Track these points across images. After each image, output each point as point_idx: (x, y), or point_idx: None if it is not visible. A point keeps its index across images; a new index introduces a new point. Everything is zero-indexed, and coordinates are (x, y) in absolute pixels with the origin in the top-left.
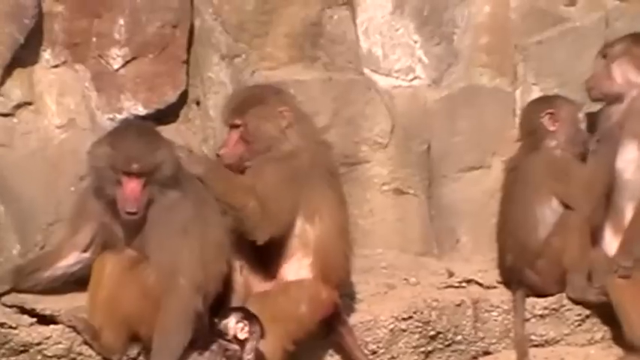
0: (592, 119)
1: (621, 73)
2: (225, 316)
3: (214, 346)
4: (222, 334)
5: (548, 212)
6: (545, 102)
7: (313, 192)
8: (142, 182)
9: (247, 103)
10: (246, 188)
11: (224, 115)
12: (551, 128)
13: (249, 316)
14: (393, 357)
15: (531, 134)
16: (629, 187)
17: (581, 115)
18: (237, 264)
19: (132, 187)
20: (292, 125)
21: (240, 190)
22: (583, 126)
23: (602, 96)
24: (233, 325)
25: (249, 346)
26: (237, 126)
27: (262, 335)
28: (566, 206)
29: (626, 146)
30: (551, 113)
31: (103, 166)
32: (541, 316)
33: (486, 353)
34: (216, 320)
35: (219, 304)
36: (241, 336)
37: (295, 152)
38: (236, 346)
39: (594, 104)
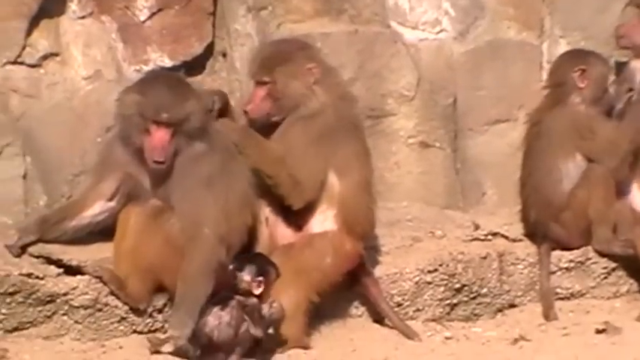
0: (619, 72)
1: None
2: (240, 269)
3: (233, 303)
4: (236, 287)
5: (572, 167)
6: (579, 57)
7: (338, 146)
8: (171, 132)
9: (275, 60)
10: (278, 158)
11: (251, 70)
12: (580, 85)
13: (263, 270)
14: (418, 309)
15: (559, 86)
16: None
17: (612, 77)
18: (263, 216)
19: (160, 136)
20: (319, 81)
21: (272, 160)
22: (612, 87)
23: (632, 45)
24: (248, 280)
25: (266, 297)
26: (264, 83)
27: (277, 276)
28: (591, 160)
29: None
30: (583, 70)
31: (132, 113)
32: (567, 269)
33: (512, 306)
34: (230, 267)
35: None
36: (256, 292)
37: (321, 109)
38: (254, 300)
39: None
